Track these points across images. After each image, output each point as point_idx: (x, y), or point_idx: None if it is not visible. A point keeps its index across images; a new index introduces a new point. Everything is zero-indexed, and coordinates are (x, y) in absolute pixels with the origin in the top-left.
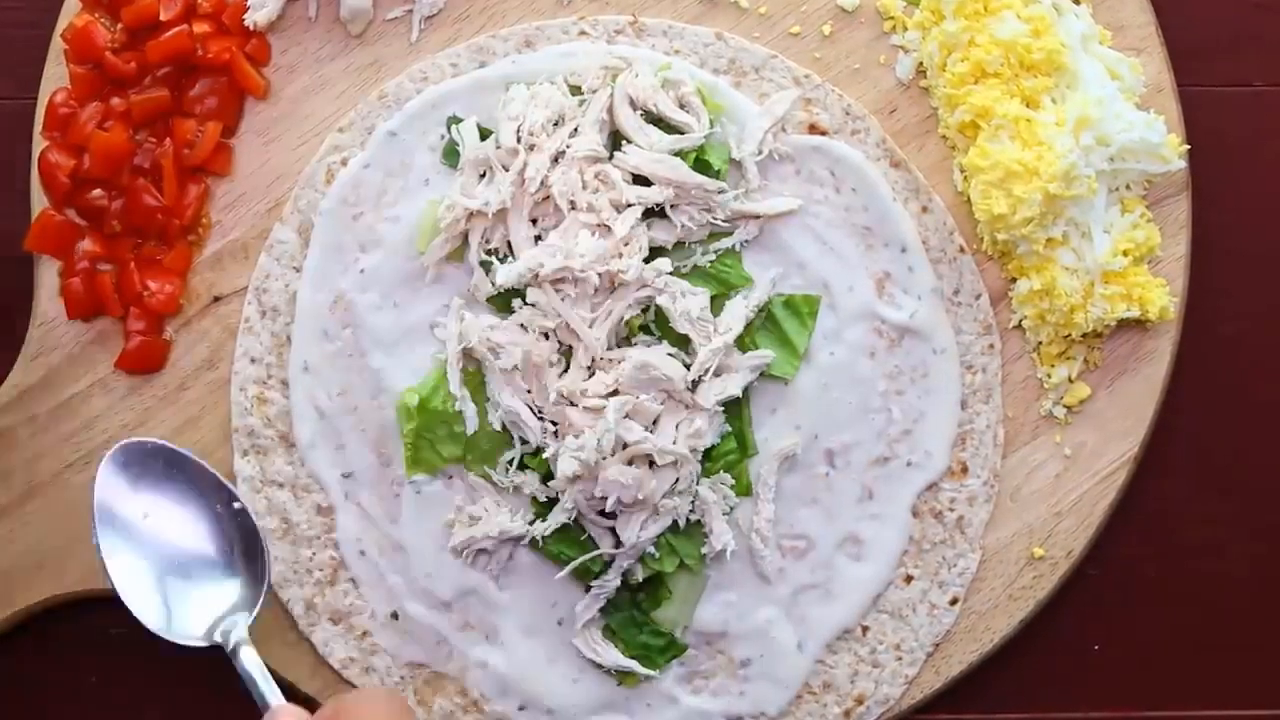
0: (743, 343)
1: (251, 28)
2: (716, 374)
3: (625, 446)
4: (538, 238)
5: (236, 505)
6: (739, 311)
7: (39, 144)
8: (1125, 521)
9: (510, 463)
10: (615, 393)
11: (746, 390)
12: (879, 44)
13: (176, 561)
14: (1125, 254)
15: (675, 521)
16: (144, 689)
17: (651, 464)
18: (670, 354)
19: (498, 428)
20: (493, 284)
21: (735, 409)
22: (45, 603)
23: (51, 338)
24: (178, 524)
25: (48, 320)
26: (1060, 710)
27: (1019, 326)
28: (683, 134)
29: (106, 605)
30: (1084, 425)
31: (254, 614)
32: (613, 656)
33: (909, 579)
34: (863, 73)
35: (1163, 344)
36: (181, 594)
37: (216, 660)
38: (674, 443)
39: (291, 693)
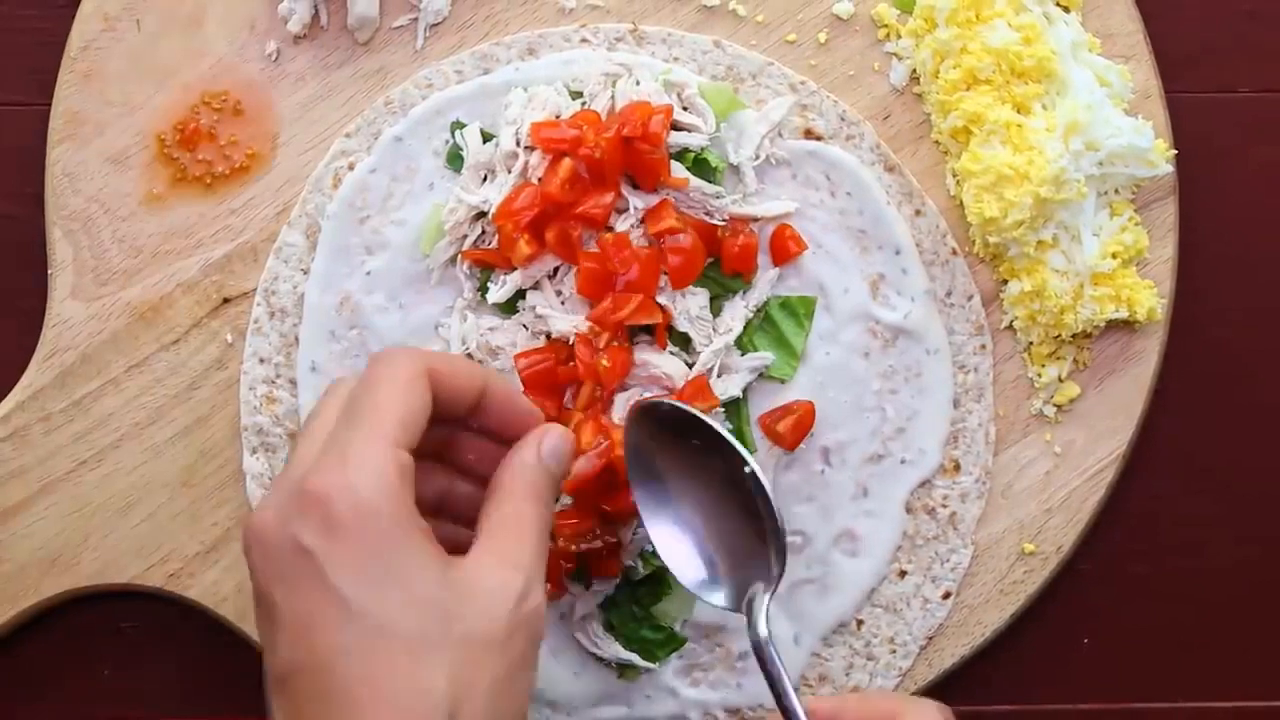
0: (741, 343)
1: (295, 39)
2: (718, 374)
3: None
4: None
5: (747, 469)
6: (739, 312)
7: (53, 149)
8: (1114, 518)
9: None
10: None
11: (745, 389)
12: (873, 51)
13: (707, 524)
14: (1114, 256)
15: None
16: (156, 682)
17: None
18: (672, 352)
19: None
20: (486, 301)
21: (734, 408)
22: (59, 597)
23: (65, 338)
24: (703, 485)
25: (62, 321)
26: (1050, 702)
27: (1010, 327)
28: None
29: (119, 600)
30: (1073, 424)
31: (774, 588)
32: (614, 650)
33: (903, 574)
34: (857, 79)
35: (1150, 345)
36: (716, 557)
37: (227, 654)
38: None
39: None
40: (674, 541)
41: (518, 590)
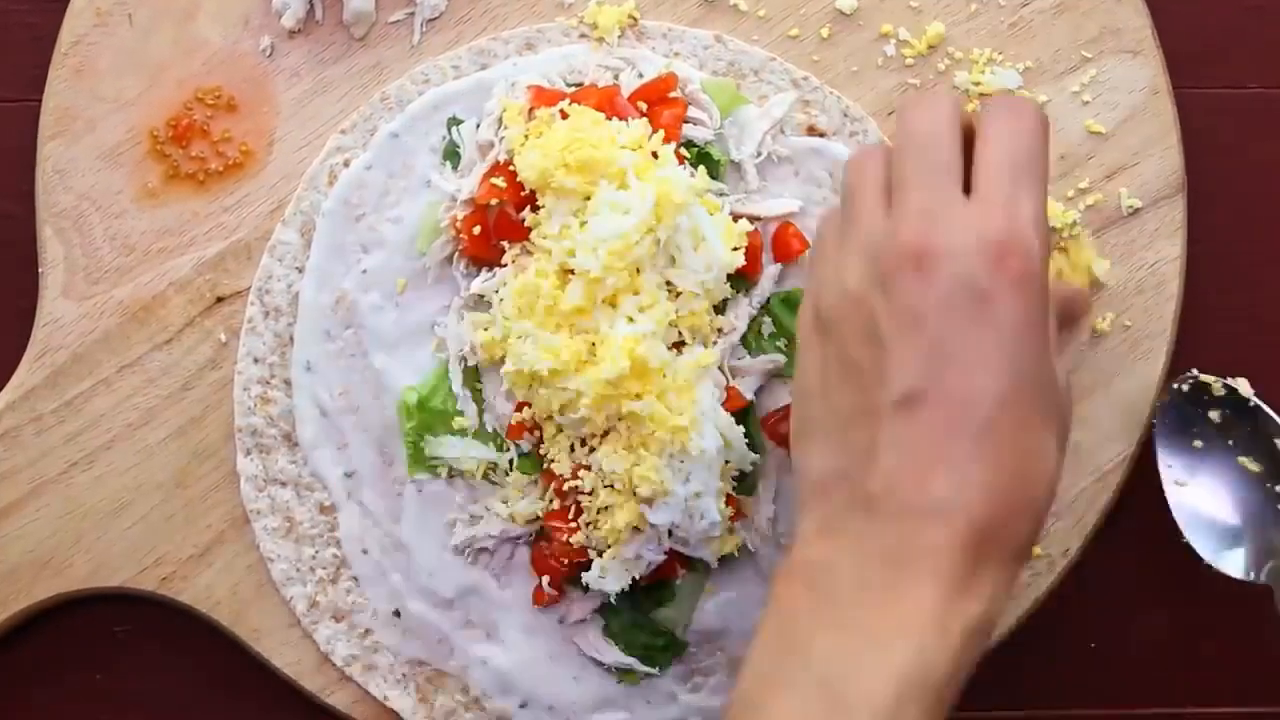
0: (746, 341)
1: (290, 34)
2: (733, 377)
3: None
4: None
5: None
6: (743, 310)
7: (44, 145)
8: (1121, 521)
9: (510, 464)
10: None
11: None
12: (876, 47)
13: (1233, 491)
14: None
15: None
16: (149, 686)
17: None
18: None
19: (490, 430)
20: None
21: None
22: (50, 600)
23: (56, 338)
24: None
25: (53, 320)
26: (1057, 707)
27: None
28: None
29: (111, 603)
30: (1080, 426)
31: None
32: (613, 655)
33: None
34: (860, 75)
35: (1158, 344)
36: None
37: (221, 659)
38: None
39: (294, 689)
40: (1197, 509)
41: None
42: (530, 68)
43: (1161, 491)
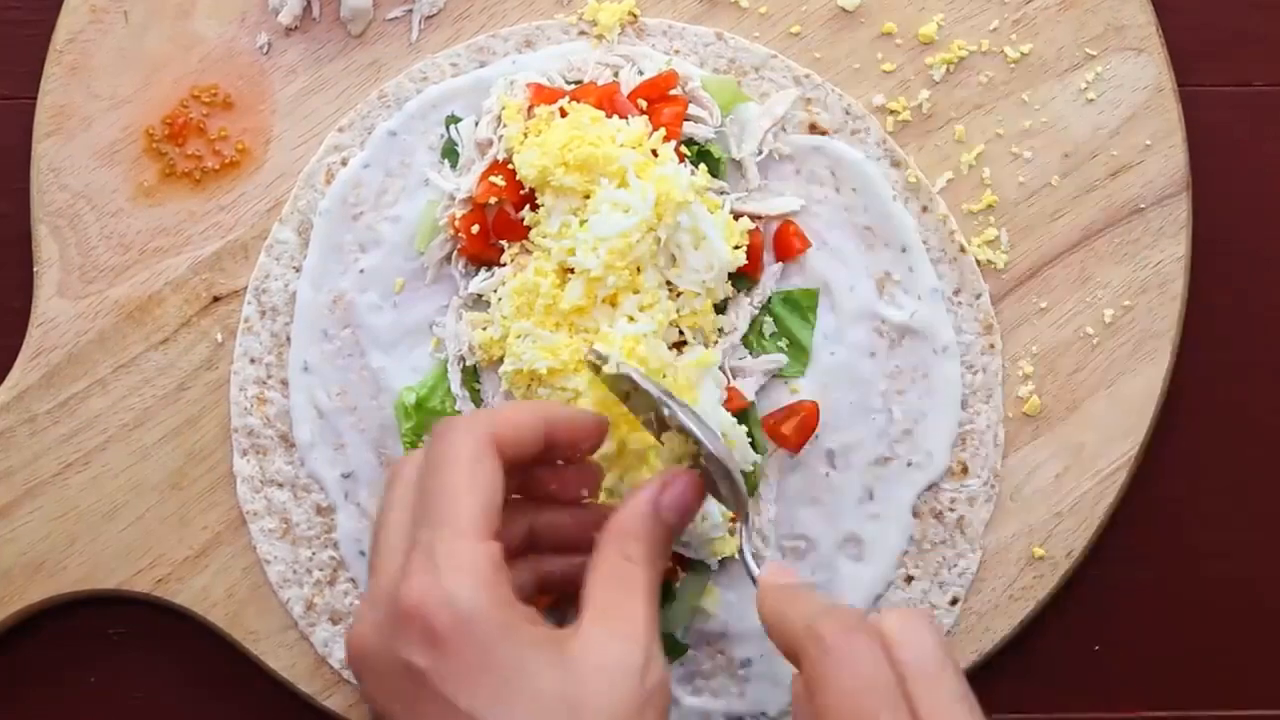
0: (748, 341)
1: (287, 31)
2: (733, 377)
3: None
4: None
5: (667, 412)
6: (744, 310)
7: (39, 143)
8: (1125, 522)
9: None
10: None
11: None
12: (878, 44)
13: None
14: None
15: None
16: (143, 689)
17: None
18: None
19: None
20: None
21: (742, 410)
22: (45, 603)
23: (51, 338)
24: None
25: (47, 320)
26: (1060, 711)
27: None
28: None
29: (105, 605)
30: (1084, 426)
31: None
32: None
33: (909, 579)
34: (862, 72)
35: (1163, 343)
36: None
37: (217, 661)
38: None
39: (291, 692)
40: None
41: (638, 665)
42: (529, 65)
43: (1169, 492)
